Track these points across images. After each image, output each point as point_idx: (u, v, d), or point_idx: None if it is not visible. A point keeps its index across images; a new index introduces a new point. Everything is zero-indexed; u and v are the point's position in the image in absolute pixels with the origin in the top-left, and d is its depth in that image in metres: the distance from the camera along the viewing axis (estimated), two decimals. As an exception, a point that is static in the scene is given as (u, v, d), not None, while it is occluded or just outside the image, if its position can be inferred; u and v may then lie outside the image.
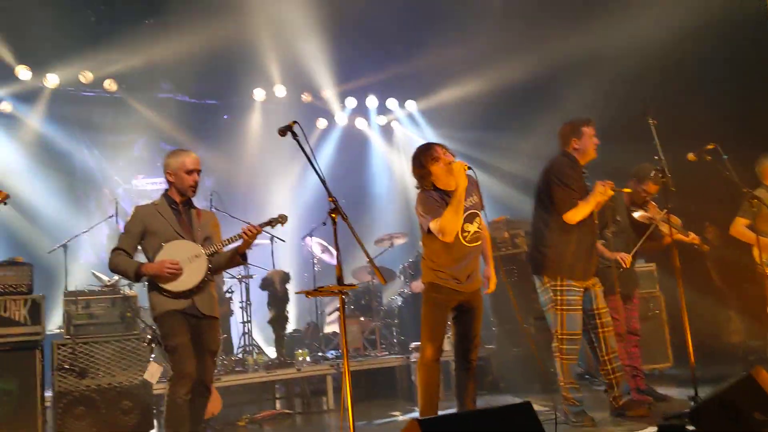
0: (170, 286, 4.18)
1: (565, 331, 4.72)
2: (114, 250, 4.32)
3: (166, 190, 4.47)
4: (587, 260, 4.82)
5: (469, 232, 4.44)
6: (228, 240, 4.35)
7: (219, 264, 4.46)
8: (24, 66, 8.52)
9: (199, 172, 4.42)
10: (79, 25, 8.35)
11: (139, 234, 4.33)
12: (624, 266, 5.25)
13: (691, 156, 5.25)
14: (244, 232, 4.22)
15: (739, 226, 5.91)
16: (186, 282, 4.22)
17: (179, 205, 4.41)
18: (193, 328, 4.24)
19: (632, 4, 7.71)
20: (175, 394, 4.10)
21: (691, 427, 3.80)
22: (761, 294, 5.50)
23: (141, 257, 4.36)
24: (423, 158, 4.46)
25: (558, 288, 4.73)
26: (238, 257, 4.43)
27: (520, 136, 9.08)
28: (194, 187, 4.39)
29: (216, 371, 6.64)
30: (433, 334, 4.46)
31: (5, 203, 3.34)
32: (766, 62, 7.10)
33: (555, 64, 8.45)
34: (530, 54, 8.60)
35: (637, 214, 5.51)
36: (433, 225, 4.32)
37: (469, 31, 8.85)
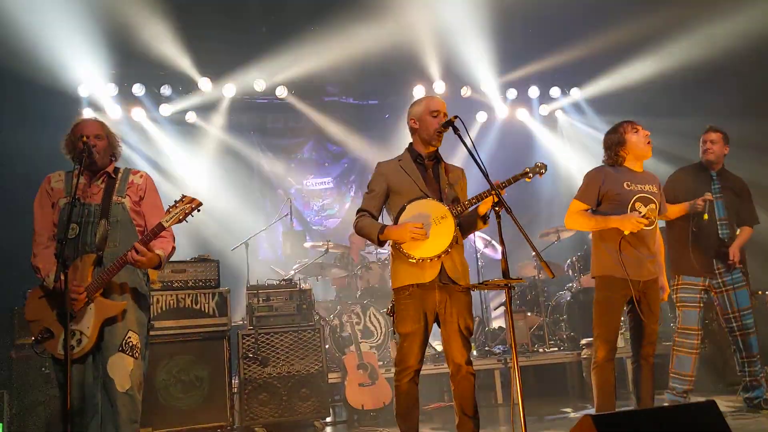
0: (416, 253, 3.74)
1: (681, 325, 4.94)
2: (358, 211, 3.97)
3: (410, 144, 4.09)
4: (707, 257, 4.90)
5: (639, 212, 4.24)
6: (473, 199, 3.79)
7: (464, 227, 3.95)
8: (205, 78, 9.24)
9: (446, 115, 3.92)
10: (252, 37, 8.91)
11: (384, 193, 3.95)
12: None
13: None
14: (485, 194, 3.68)
15: None
16: (432, 247, 3.75)
17: (425, 159, 3.99)
18: (440, 303, 3.80)
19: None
20: (398, 382, 3.83)
21: None
22: None
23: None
24: (621, 127, 4.47)
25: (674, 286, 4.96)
26: (480, 220, 3.86)
27: (699, 120, 8.43)
28: (440, 133, 3.90)
29: (385, 363, 6.84)
30: (604, 332, 4.30)
31: (199, 210, 3.62)
32: None
33: (740, 38, 7.75)
34: (711, 28, 7.96)
35: None
36: (569, 214, 4.44)
37: (640, 9, 8.35)
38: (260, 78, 9.43)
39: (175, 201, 3.58)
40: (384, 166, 4.03)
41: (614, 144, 4.44)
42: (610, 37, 8.86)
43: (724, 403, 5.34)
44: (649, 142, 4.36)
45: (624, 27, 8.59)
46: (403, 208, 3.82)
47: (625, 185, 4.32)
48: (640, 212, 4.22)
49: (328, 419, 6.24)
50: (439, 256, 3.74)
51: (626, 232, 4.17)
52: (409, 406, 3.85)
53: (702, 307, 4.93)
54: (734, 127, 5.22)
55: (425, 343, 3.84)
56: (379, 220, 3.95)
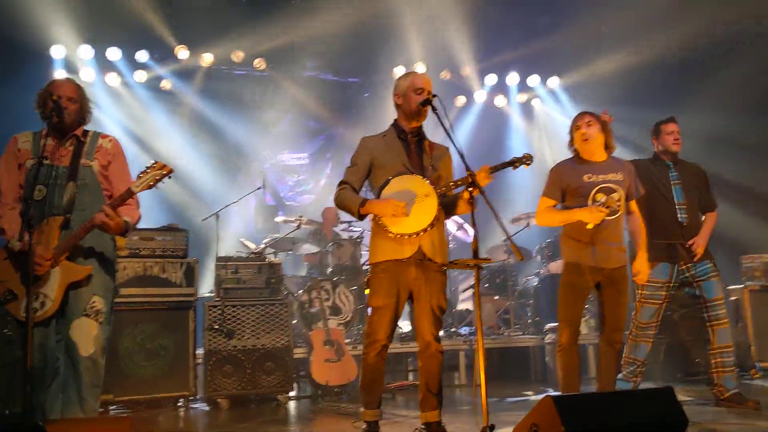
0: (395, 228, 3.74)
1: (640, 321, 4.91)
2: (340, 183, 3.95)
3: (395, 120, 4.06)
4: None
5: (598, 201, 4.29)
6: (456, 182, 3.81)
7: (446, 207, 3.96)
8: (182, 46, 9.10)
9: (430, 93, 3.90)
10: (232, 6, 8.79)
11: (366, 167, 3.94)
12: None
13: None
14: (477, 175, 3.66)
15: None
16: (413, 224, 3.75)
17: (408, 135, 3.98)
18: (415, 279, 3.81)
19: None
20: (365, 355, 3.86)
21: None
22: None
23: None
24: (572, 121, 4.56)
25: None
26: (465, 203, 3.73)
27: (672, 112, 8.54)
28: (423, 106, 3.86)
29: (352, 341, 6.88)
30: (568, 316, 4.36)
31: (170, 177, 3.57)
32: None
33: (719, 33, 7.84)
34: (686, 24, 8.04)
35: None
36: (538, 211, 4.50)
37: (619, 2, 8.40)
38: (239, 49, 9.32)
39: (146, 167, 3.54)
40: (368, 140, 4.03)
41: (569, 139, 4.57)
42: (589, 28, 8.91)
43: (682, 392, 5.46)
44: (586, 140, 4.37)
45: (602, 19, 8.63)
46: (387, 182, 3.82)
47: (585, 178, 4.37)
48: (600, 202, 4.28)
49: (292, 394, 6.26)
50: (418, 234, 3.75)
51: (590, 226, 4.22)
52: (374, 380, 3.90)
53: (663, 303, 4.90)
54: (705, 121, 5.28)
55: (396, 318, 3.86)
56: (361, 194, 3.95)
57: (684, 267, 4.88)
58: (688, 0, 7.90)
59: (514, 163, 3.95)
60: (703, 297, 4.87)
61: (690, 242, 4.86)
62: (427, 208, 3.76)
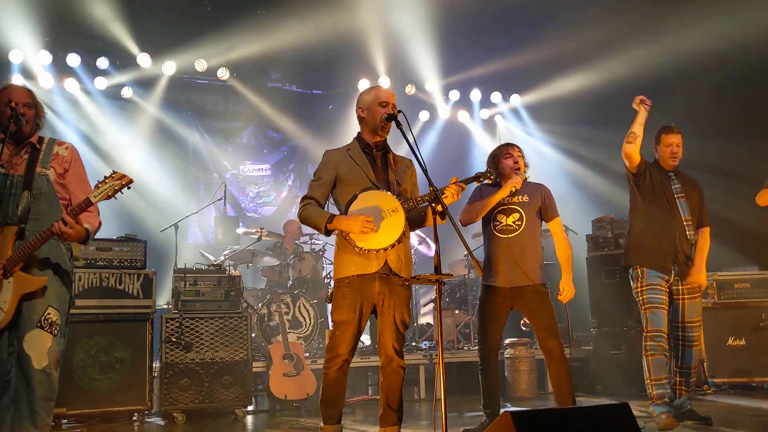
0: (363, 243, 3.71)
1: (649, 328, 4.79)
2: (303, 198, 3.91)
3: (359, 133, 4.02)
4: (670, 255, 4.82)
5: (500, 222, 4.67)
6: (423, 197, 3.79)
7: (414, 221, 3.97)
8: (145, 53, 8.99)
9: (394, 108, 3.87)
10: (196, 15, 8.72)
11: (331, 181, 3.89)
12: None
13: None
14: (447, 191, 3.72)
15: None
16: (381, 239, 3.73)
17: (373, 149, 3.95)
18: (380, 294, 3.80)
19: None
20: (326, 370, 3.83)
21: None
22: None
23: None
24: (498, 150, 4.88)
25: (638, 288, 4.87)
26: (436, 215, 3.67)
27: (625, 133, 8.75)
28: (384, 116, 3.83)
29: (311, 354, 6.83)
30: (479, 338, 4.73)
31: (129, 188, 3.52)
32: None
33: (668, 59, 8.09)
34: (642, 48, 8.28)
35: None
36: (462, 210, 4.74)
37: (580, 25, 8.60)
38: (202, 58, 9.25)
39: (105, 176, 3.47)
40: (332, 154, 3.98)
41: (497, 165, 4.84)
42: (550, 49, 9.08)
43: (637, 408, 5.54)
44: (518, 168, 4.73)
45: (563, 40, 8.81)
46: (354, 197, 3.79)
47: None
48: (500, 222, 4.66)
49: (250, 408, 6.18)
50: (386, 249, 3.74)
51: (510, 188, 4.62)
52: (334, 395, 3.87)
53: (668, 308, 4.81)
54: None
55: (358, 334, 3.85)
56: (325, 209, 3.93)
57: (676, 278, 4.85)
58: (644, 25, 8.12)
59: (479, 177, 4.11)
60: (683, 315, 4.83)
61: (692, 280, 4.82)
62: (394, 223, 3.76)
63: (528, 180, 4.85)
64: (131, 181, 3.49)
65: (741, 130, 6.53)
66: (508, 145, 4.86)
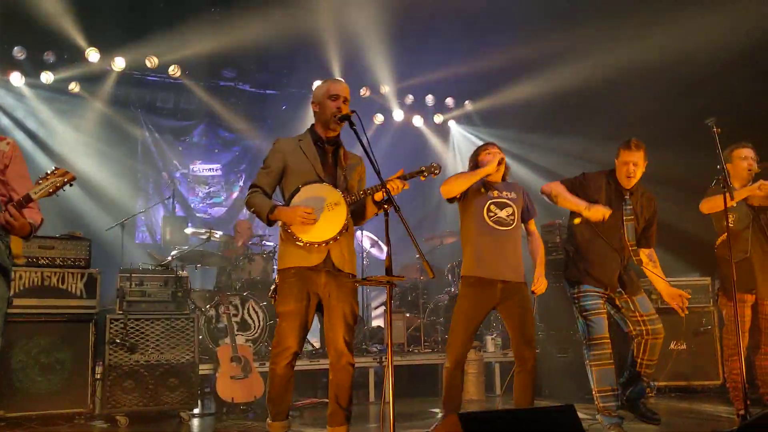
0: (304, 235, 3.73)
1: (591, 336, 4.64)
2: (251, 186, 3.91)
3: (312, 125, 4.03)
4: (610, 266, 4.67)
5: (495, 213, 4.47)
6: (368, 190, 3.84)
7: (357, 214, 4.00)
8: (93, 48, 8.78)
9: (346, 100, 3.89)
10: (147, 10, 8.56)
11: (280, 171, 3.89)
12: None
13: (756, 168, 5.08)
14: (389, 184, 3.70)
15: None
16: (322, 232, 3.75)
17: (325, 144, 3.95)
18: (324, 288, 3.79)
19: (702, 11, 7.52)
20: (274, 365, 3.77)
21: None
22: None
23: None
24: (478, 150, 4.71)
25: (576, 294, 4.74)
26: (376, 206, 3.88)
27: (578, 141, 8.94)
28: (338, 116, 3.83)
29: (260, 357, 6.75)
30: (456, 341, 4.44)
31: (71, 185, 3.42)
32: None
33: (616, 69, 8.29)
34: (591, 58, 8.47)
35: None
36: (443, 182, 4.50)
37: (532, 33, 8.75)
38: (153, 54, 9.07)
39: (47, 172, 3.37)
40: (283, 143, 3.97)
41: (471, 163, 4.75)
42: (504, 56, 9.21)
43: (583, 411, 5.62)
44: (501, 163, 4.56)
45: (517, 48, 8.95)
46: (297, 190, 3.79)
47: (480, 189, 4.54)
48: (495, 213, 4.46)
49: (196, 411, 6.07)
50: (327, 242, 3.75)
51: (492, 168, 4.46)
52: (283, 390, 3.81)
53: (607, 314, 4.69)
54: (611, 152, 5.37)
55: (306, 325, 3.80)
56: (273, 198, 3.90)
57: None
58: (594, 36, 8.31)
59: (422, 172, 4.02)
60: (638, 311, 4.67)
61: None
62: (336, 217, 3.77)
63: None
64: (74, 178, 3.40)
65: (688, 141, 6.70)
66: (488, 144, 4.73)
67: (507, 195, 4.56)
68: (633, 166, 4.63)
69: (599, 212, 4.55)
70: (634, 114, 8.07)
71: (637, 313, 4.68)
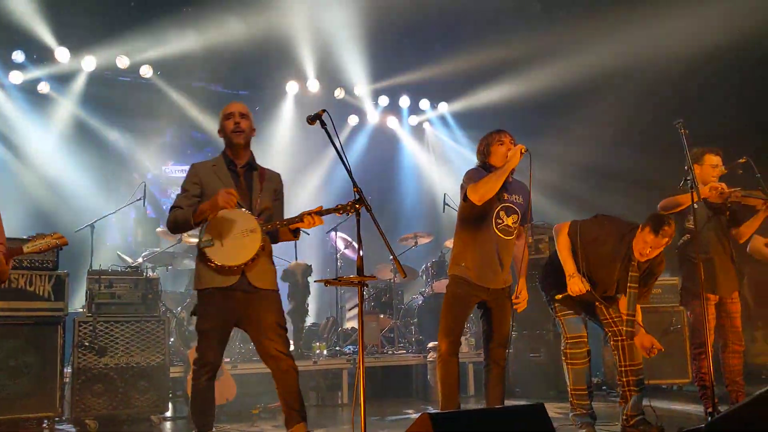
0: (217, 260, 3.79)
1: (567, 334, 4.72)
2: (171, 208, 4.00)
3: (224, 149, 4.09)
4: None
5: (502, 221, 4.37)
6: (285, 221, 3.94)
7: (271, 236, 4.06)
8: (63, 48, 8.66)
9: (242, 115, 3.97)
10: (118, 10, 8.46)
11: (197, 194, 3.96)
12: None
13: (723, 169, 5.18)
14: (305, 219, 3.84)
15: (758, 244, 5.66)
16: (235, 257, 3.81)
17: (237, 167, 4.01)
18: (241, 305, 3.87)
19: (670, 15, 7.64)
20: (196, 380, 3.88)
21: (707, 442, 3.73)
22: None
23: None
24: (490, 137, 4.51)
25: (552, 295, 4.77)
26: (290, 233, 4.04)
27: (552, 142, 9.00)
28: (237, 132, 3.92)
29: (232, 359, 6.70)
30: (449, 327, 4.36)
31: (61, 249, 3.52)
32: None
33: (591, 71, 8.39)
34: (566, 60, 8.56)
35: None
36: (471, 187, 4.24)
37: (506, 35, 8.81)
38: (124, 54, 8.97)
39: (43, 234, 3.69)
40: (199, 167, 4.05)
41: (481, 152, 4.52)
42: (478, 58, 9.26)
43: (554, 410, 5.67)
44: (519, 151, 4.29)
45: (490, 50, 9.01)
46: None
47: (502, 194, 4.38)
48: (502, 221, 4.36)
49: (167, 414, 6.01)
50: (239, 267, 3.83)
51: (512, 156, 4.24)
52: (207, 403, 3.92)
53: (582, 314, 4.76)
54: (579, 152, 5.45)
55: (224, 341, 3.94)
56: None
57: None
58: (566, 39, 8.40)
59: (339, 209, 3.89)
60: (601, 313, 4.73)
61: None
62: (250, 243, 3.84)
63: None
64: (66, 243, 3.64)
65: (655, 141, 6.82)
66: (500, 132, 4.52)
67: (516, 199, 4.45)
68: (651, 249, 4.50)
69: (575, 288, 4.52)
70: (609, 115, 8.16)
71: (609, 316, 4.73)
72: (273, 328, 3.89)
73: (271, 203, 4.06)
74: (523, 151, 4.28)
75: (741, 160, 5.10)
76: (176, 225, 3.96)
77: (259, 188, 4.02)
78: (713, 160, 5.15)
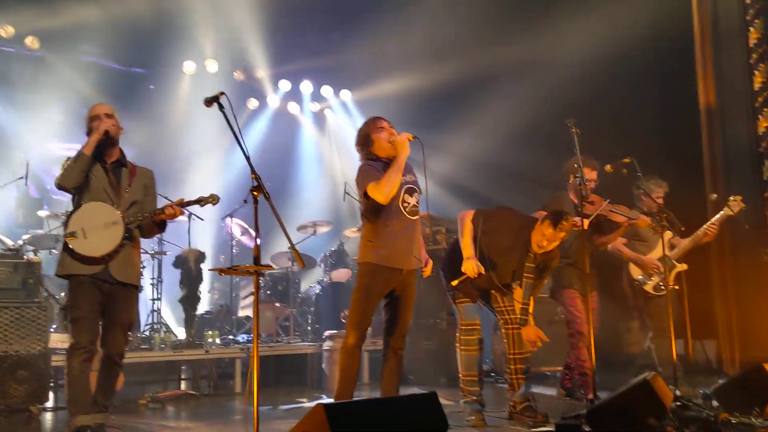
0: (80, 249, 3.99)
1: (462, 321, 4.86)
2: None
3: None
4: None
5: (409, 203, 4.41)
6: (147, 214, 4.18)
7: (144, 228, 4.33)
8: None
9: (108, 116, 4.24)
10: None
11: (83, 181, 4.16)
12: None
13: (608, 167, 5.46)
14: (167, 209, 4.15)
15: (617, 243, 5.98)
16: (96, 248, 4.02)
17: (106, 163, 4.22)
18: (104, 296, 4.09)
19: (569, 18, 7.93)
20: (70, 365, 4.03)
21: (587, 428, 3.92)
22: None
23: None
24: (367, 127, 4.50)
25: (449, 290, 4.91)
26: (155, 226, 4.31)
27: (449, 136, 9.16)
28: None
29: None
30: (359, 319, 4.35)
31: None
32: (691, 80, 7.43)
33: (489, 67, 8.59)
34: (465, 55, 8.72)
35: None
36: (371, 187, 4.23)
37: (408, 27, 8.88)
38: (8, 23, 8.39)
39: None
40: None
41: (362, 143, 4.51)
42: (382, 47, 9.30)
43: (445, 397, 5.79)
44: (393, 140, 4.35)
45: (394, 40, 9.06)
46: (79, 206, 4.10)
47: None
48: (408, 203, 4.40)
49: (48, 404, 5.72)
50: (101, 257, 4.04)
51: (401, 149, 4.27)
52: (82, 387, 4.07)
53: (479, 302, 4.89)
54: (478, 146, 5.55)
55: (96, 326, 4.14)
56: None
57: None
58: (469, 35, 8.57)
59: (201, 201, 4.32)
60: (501, 300, 4.89)
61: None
62: (112, 235, 4.08)
63: None
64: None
65: (552, 140, 7.03)
66: (376, 119, 4.52)
67: (410, 178, 4.48)
68: (548, 242, 4.68)
69: (468, 269, 4.68)
70: (509, 109, 8.38)
71: (503, 304, 4.92)
72: (123, 327, 4.20)
73: (140, 198, 4.28)
74: (410, 138, 4.34)
75: (626, 160, 5.39)
76: (68, 178, 4.09)
77: (127, 183, 4.23)
78: (590, 174, 5.46)
